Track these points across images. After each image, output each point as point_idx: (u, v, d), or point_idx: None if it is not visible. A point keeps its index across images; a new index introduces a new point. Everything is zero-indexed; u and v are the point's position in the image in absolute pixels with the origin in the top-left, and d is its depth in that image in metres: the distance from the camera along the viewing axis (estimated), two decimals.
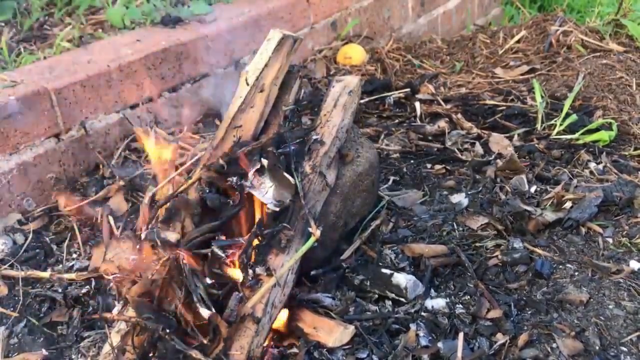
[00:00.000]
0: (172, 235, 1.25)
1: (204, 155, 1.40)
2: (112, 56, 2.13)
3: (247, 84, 1.39)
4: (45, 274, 1.66)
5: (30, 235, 1.79)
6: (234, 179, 1.32)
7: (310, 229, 1.30)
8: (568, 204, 1.70)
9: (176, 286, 1.15)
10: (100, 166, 2.06)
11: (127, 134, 2.14)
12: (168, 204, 1.31)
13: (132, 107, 2.16)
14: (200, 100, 2.39)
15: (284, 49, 1.43)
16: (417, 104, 2.45)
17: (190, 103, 2.33)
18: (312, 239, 1.29)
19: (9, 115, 1.79)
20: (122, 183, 1.94)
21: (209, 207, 1.31)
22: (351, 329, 1.30)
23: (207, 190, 1.33)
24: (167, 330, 1.12)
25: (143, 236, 1.25)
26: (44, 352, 1.46)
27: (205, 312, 1.11)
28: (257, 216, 1.40)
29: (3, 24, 2.52)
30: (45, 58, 2.20)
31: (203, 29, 2.39)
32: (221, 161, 1.31)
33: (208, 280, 1.16)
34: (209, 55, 2.37)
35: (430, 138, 2.25)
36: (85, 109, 2.02)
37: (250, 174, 1.32)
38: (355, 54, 2.88)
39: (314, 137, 1.44)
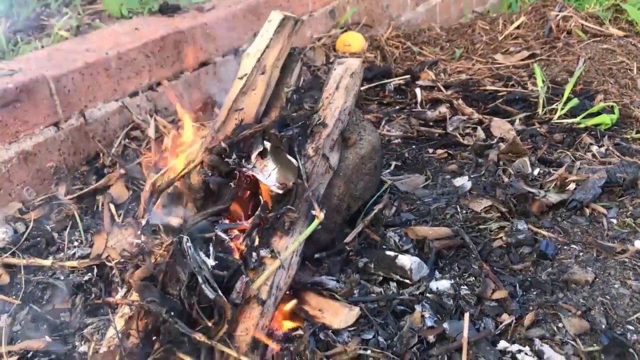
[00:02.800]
0: (175, 220, 1.24)
1: (205, 139, 1.39)
2: (111, 44, 2.12)
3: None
4: (47, 262, 1.65)
5: (31, 224, 1.77)
6: (232, 159, 1.30)
7: (313, 212, 1.29)
8: (572, 186, 1.69)
9: (180, 269, 1.14)
10: (101, 155, 2.05)
11: (126, 123, 2.13)
12: (169, 188, 1.29)
13: (132, 95, 2.15)
14: (200, 87, 2.38)
15: (286, 30, 1.41)
16: (418, 90, 2.44)
17: (189, 90, 2.32)
18: (315, 222, 1.28)
19: (7, 104, 1.78)
20: (122, 171, 1.93)
21: (212, 191, 1.30)
22: (356, 310, 1.29)
23: (210, 174, 1.31)
24: (171, 314, 1.11)
25: (145, 222, 1.23)
26: (47, 339, 1.45)
27: (210, 294, 1.10)
28: (261, 199, 1.38)
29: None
30: (43, 47, 2.18)
31: (201, 17, 2.38)
32: (223, 144, 1.30)
33: (212, 262, 1.14)
34: (207, 43, 2.36)
35: (431, 124, 2.25)
36: (85, 98, 2.00)
37: (253, 157, 1.31)
38: (354, 41, 2.86)
39: (317, 119, 1.43)
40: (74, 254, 1.70)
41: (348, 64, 1.54)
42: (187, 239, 1.12)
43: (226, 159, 1.30)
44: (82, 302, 1.53)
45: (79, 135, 2.00)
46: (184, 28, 2.28)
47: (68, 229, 1.78)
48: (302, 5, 2.81)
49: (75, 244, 1.75)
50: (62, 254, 1.71)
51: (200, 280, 1.10)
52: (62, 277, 1.61)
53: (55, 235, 1.77)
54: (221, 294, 1.12)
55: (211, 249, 1.16)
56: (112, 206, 1.82)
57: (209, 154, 1.31)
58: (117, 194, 1.88)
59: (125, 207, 1.83)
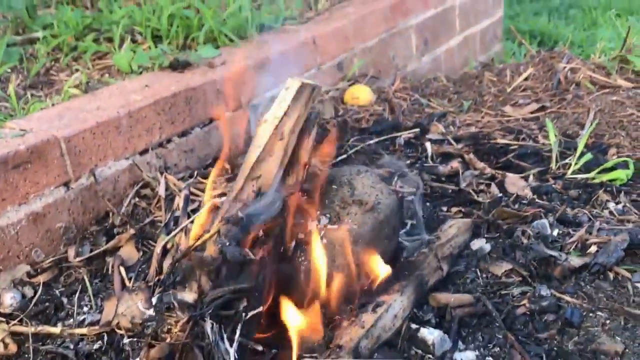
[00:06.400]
0: (189, 296, 1.20)
1: (222, 207, 1.36)
2: (122, 102, 2.11)
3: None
4: (56, 330, 1.60)
5: (40, 288, 1.73)
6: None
7: None
8: (593, 248, 1.66)
9: (199, 353, 1.09)
10: (110, 214, 2.02)
11: (136, 180, 2.11)
12: (182, 260, 1.25)
13: (142, 153, 2.13)
14: (210, 144, 2.37)
15: (303, 97, 1.40)
16: (428, 144, 2.43)
17: (200, 147, 2.30)
18: None
19: (18, 165, 1.76)
20: (132, 232, 1.90)
21: (227, 262, 1.26)
22: None
23: (227, 244, 1.28)
24: None
25: (156, 299, 1.19)
26: None
27: None
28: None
29: (10, 70, 2.50)
30: (53, 105, 2.17)
31: (212, 73, 2.38)
32: (240, 213, 1.27)
33: (234, 356, 1.07)
34: (218, 99, 2.35)
35: (443, 179, 2.22)
36: (95, 157, 1.99)
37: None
38: (362, 94, 2.87)
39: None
40: (84, 320, 1.66)
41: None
42: (212, 323, 1.07)
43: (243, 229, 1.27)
44: None
45: (89, 194, 1.98)
46: (195, 84, 2.28)
47: (77, 293, 1.74)
48: (311, 59, 2.82)
49: (85, 309, 1.70)
50: (71, 320, 1.66)
51: None
52: (71, 346, 1.56)
53: (65, 300, 1.73)
54: None
55: (237, 334, 1.10)
56: (122, 269, 1.78)
57: (226, 224, 1.28)
58: (128, 255, 1.84)
59: (136, 269, 1.79)
